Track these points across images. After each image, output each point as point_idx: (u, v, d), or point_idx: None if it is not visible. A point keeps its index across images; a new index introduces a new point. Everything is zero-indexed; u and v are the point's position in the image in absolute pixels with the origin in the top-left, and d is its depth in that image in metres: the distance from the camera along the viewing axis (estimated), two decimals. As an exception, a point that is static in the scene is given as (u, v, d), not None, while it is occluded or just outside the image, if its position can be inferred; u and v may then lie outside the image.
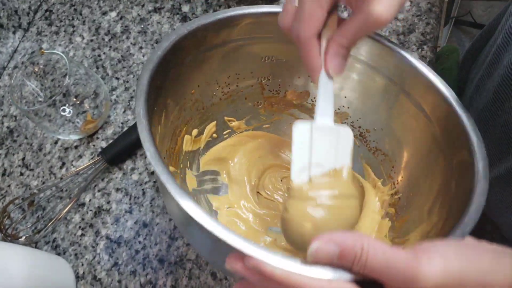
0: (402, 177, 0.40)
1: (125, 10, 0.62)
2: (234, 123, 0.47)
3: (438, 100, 0.35)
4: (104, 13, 0.63)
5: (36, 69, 0.53)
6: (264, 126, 0.48)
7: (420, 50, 0.48)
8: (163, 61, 0.34)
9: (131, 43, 0.59)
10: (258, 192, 0.46)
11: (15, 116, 0.59)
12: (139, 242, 0.47)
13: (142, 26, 0.60)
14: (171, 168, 0.41)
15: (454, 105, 0.34)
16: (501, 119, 0.46)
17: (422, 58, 0.48)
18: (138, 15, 0.61)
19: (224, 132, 0.47)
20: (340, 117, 0.44)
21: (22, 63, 0.63)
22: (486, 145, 0.50)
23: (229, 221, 0.43)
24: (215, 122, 0.45)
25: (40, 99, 0.54)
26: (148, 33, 0.59)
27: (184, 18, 0.59)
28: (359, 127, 0.43)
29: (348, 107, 0.43)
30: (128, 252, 0.47)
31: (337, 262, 0.22)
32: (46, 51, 0.50)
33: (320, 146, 0.32)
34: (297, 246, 0.33)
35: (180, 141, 0.43)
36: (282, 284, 0.22)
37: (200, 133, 0.45)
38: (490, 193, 0.54)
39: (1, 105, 0.60)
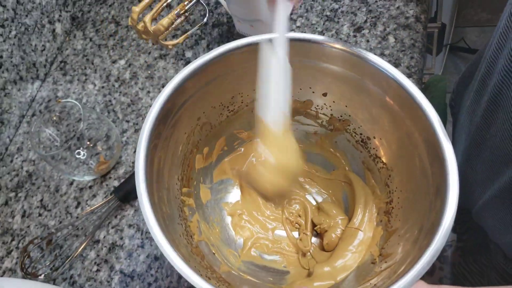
0: (396, 187, 0.42)
1: (133, 58, 0.67)
2: (244, 134, 0.50)
3: (427, 126, 0.37)
4: (114, 62, 0.68)
5: (53, 116, 0.57)
6: None
7: (407, 82, 0.52)
8: (164, 108, 0.39)
9: (139, 88, 0.64)
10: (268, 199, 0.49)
11: (34, 161, 0.63)
12: (151, 275, 0.50)
13: (149, 72, 0.65)
14: (184, 190, 0.45)
15: (438, 134, 0.36)
16: (490, 142, 0.48)
17: (409, 89, 0.52)
18: (145, 62, 0.66)
19: (235, 143, 0.50)
20: (343, 124, 0.46)
21: (40, 111, 0.68)
22: (479, 166, 0.52)
23: (240, 226, 0.47)
24: (224, 137, 0.48)
25: (56, 143, 0.58)
26: (155, 78, 0.64)
27: (188, 63, 0.64)
28: (361, 134, 0.45)
29: (349, 115, 0.45)
30: (141, 285, 0.49)
31: None
32: (62, 100, 0.54)
33: (283, 83, 0.33)
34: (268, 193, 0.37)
35: (192, 161, 0.46)
36: None
37: (211, 149, 0.48)
38: (488, 215, 0.56)
39: (21, 151, 0.65)
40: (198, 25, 0.54)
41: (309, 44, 0.41)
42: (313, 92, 0.46)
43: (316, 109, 0.47)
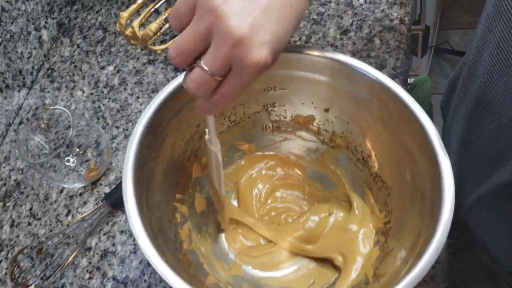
0: (395, 206, 0.42)
1: (121, 64, 0.67)
2: (245, 146, 0.50)
3: (426, 143, 0.37)
4: (102, 68, 0.68)
5: (41, 124, 0.57)
6: (273, 146, 0.51)
7: (393, 83, 0.53)
8: (157, 114, 0.39)
9: (129, 94, 0.64)
10: (266, 214, 0.49)
11: (22, 169, 0.62)
12: (145, 280, 0.49)
13: (138, 77, 0.65)
14: (178, 196, 0.45)
15: (436, 149, 0.36)
16: (477, 143, 0.49)
17: (396, 90, 0.53)
18: (134, 67, 0.66)
19: (235, 155, 0.50)
20: (344, 141, 0.46)
21: (27, 119, 0.67)
22: (468, 167, 0.53)
23: (234, 239, 0.46)
24: (224, 148, 0.48)
25: (45, 151, 0.58)
26: (144, 84, 0.64)
27: (177, 68, 0.64)
28: (362, 151, 0.45)
29: (351, 132, 0.45)
30: (134, 292, 0.49)
31: None
32: (50, 107, 0.54)
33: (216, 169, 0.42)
34: None
35: (189, 169, 0.46)
36: None
37: None
38: (475, 215, 0.57)
39: (8, 160, 0.64)
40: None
41: (299, 55, 0.41)
42: (315, 108, 0.46)
43: (318, 124, 0.47)
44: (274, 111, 0.48)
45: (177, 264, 0.38)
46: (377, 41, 0.56)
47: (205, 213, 0.48)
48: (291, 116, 0.48)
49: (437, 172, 0.35)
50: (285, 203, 0.49)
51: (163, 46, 0.48)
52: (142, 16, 0.47)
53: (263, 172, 0.50)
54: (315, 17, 0.61)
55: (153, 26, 0.44)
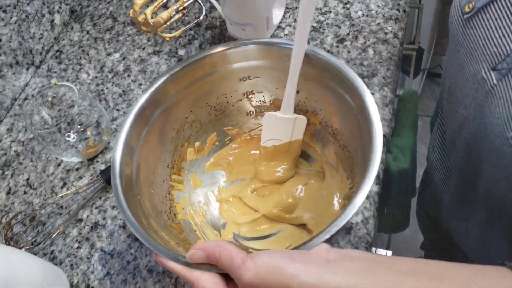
0: (357, 173, 0.45)
1: (127, 52, 0.71)
2: (233, 131, 0.55)
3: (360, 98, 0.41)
4: (109, 54, 0.71)
5: (47, 99, 0.59)
6: (259, 128, 0.55)
7: (381, 91, 0.57)
8: (149, 100, 0.46)
9: (132, 80, 0.67)
10: (254, 185, 0.53)
11: (23, 141, 0.65)
12: (131, 254, 0.52)
13: (142, 66, 0.68)
14: (174, 177, 0.50)
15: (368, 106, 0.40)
16: (454, 155, 0.52)
17: (383, 97, 0.56)
18: (139, 56, 0.69)
19: (226, 139, 0.55)
20: (316, 118, 0.51)
21: (33, 95, 0.70)
22: (448, 175, 0.56)
23: (226, 211, 0.52)
24: (215, 133, 0.54)
25: (47, 126, 0.60)
26: (147, 72, 0.67)
27: (180, 61, 0.68)
28: (331, 126, 0.49)
29: (321, 110, 0.50)
30: (120, 263, 0.51)
31: (207, 261, 0.33)
32: (58, 83, 0.57)
33: (280, 128, 0.50)
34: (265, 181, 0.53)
35: (183, 154, 0.51)
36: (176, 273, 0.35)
37: (203, 143, 0.54)
38: (454, 220, 0.60)
39: (10, 132, 0.66)
40: (194, 22, 0.58)
41: (266, 47, 0.48)
42: None
43: (294, 105, 0.51)
44: (254, 97, 0.53)
45: (166, 229, 0.42)
46: (370, 51, 0.60)
47: (200, 189, 0.53)
48: (270, 101, 0.53)
49: (370, 135, 0.39)
50: (271, 174, 0.53)
51: (171, 34, 0.51)
52: (154, 5, 0.51)
53: (252, 152, 0.55)
54: (314, 24, 0.65)
55: (165, 14, 0.48)
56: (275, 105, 0.53)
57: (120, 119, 0.64)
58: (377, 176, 0.51)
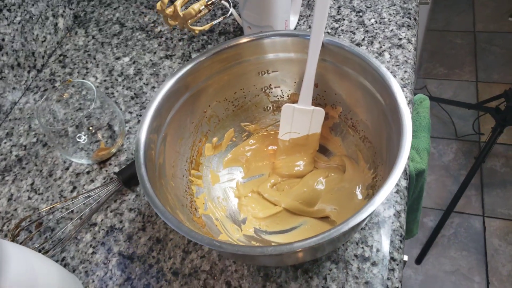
0: (380, 162, 0.45)
1: (137, 56, 0.69)
2: (250, 127, 0.54)
3: (394, 107, 0.40)
4: (118, 58, 0.69)
5: (64, 95, 0.56)
6: (276, 124, 0.54)
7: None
8: (168, 94, 0.45)
9: (144, 83, 0.65)
10: (274, 180, 0.52)
11: (25, 146, 0.61)
12: (153, 257, 0.48)
13: (154, 69, 0.67)
14: (193, 171, 0.48)
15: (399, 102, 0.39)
16: None
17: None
18: (150, 60, 0.68)
19: (243, 135, 0.54)
20: (336, 111, 0.50)
21: (34, 99, 0.66)
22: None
23: (245, 206, 0.50)
24: (232, 129, 0.52)
25: (58, 124, 0.57)
26: (160, 75, 0.66)
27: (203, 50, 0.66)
28: (351, 118, 0.49)
29: (340, 102, 0.49)
30: (142, 267, 0.48)
31: None
32: (74, 80, 0.54)
33: (298, 120, 0.49)
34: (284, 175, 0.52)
35: (201, 149, 0.50)
36: None
37: (220, 139, 0.52)
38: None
39: (10, 136, 0.62)
40: (222, 17, 0.58)
41: (283, 38, 0.47)
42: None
43: (312, 99, 0.51)
44: (271, 92, 0.52)
45: (190, 222, 0.41)
46: (387, 55, 0.61)
47: (219, 185, 0.51)
48: (288, 95, 0.52)
49: (400, 128, 0.38)
50: (289, 169, 0.52)
51: (201, 27, 0.50)
52: (182, -1, 0.50)
53: (269, 147, 0.54)
54: (329, 31, 0.66)
55: (196, 5, 0.47)
56: (293, 100, 0.52)
57: (133, 122, 0.61)
58: (404, 171, 0.51)
